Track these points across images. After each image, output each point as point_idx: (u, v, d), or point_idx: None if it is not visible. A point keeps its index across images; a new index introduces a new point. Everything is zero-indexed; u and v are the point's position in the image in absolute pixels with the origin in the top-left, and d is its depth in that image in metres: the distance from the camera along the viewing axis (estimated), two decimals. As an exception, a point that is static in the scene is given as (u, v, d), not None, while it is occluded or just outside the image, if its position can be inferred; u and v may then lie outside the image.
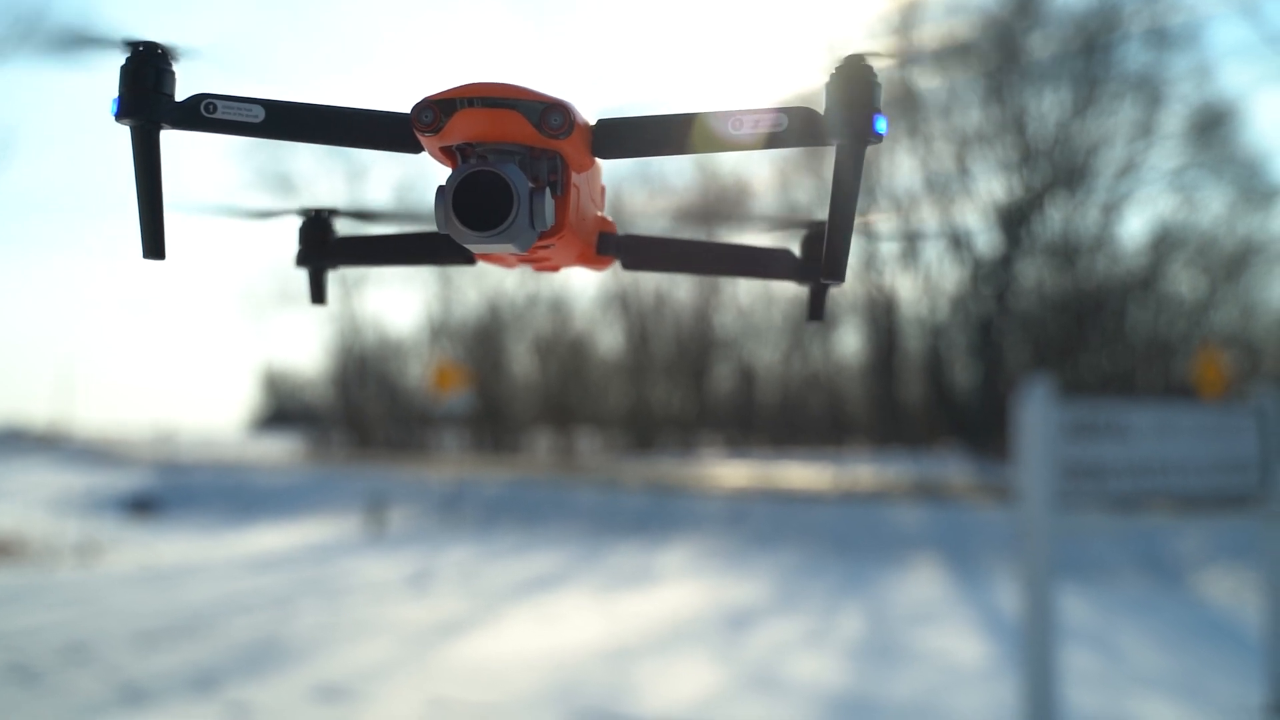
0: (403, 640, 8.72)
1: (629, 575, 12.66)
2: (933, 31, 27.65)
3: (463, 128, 0.96)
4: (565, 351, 39.62)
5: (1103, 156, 28.18)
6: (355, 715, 6.34)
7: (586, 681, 7.33)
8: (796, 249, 1.32)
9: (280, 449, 43.10)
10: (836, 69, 0.94)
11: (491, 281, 38.00)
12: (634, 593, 11.34)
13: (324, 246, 1.37)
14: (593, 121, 1.02)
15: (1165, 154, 28.30)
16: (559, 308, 39.32)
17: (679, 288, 36.84)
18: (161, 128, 1.01)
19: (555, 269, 1.28)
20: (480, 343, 39.33)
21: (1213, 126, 27.85)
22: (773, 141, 0.96)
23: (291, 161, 42.08)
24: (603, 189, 1.24)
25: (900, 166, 30.12)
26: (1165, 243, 28.96)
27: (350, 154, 37.97)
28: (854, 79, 0.93)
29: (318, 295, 1.41)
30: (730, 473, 24.87)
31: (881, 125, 0.93)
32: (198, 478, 26.65)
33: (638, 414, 38.67)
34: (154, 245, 1.04)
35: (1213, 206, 28.95)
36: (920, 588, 11.72)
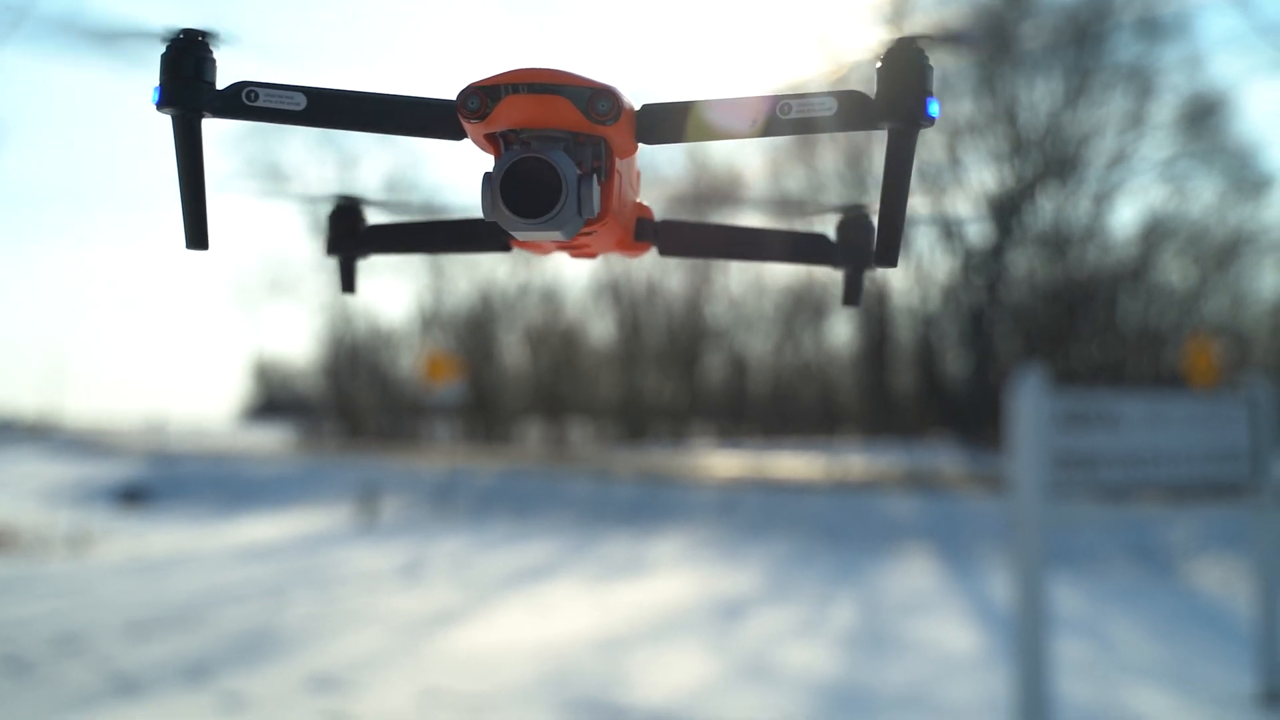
0: (395, 630, 8.72)
1: (621, 565, 12.67)
2: (924, 21, 27.63)
3: (509, 114, 0.96)
4: (557, 341, 39.59)
5: (1094, 147, 28.21)
6: (348, 705, 6.33)
7: (579, 671, 7.34)
8: (831, 233, 1.33)
9: (271, 439, 43.07)
10: (887, 52, 0.93)
11: (483, 271, 37.95)
12: (626, 583, 11.35)
13: (355, 234, 1.35)
14: (637, 106, 1.01)
15: (1156, 144, 28.35)
16: (550, 297, 39.31)
17: (670, 277, 36.83)
18: (203, 116, 1.00)
19: (593, 255, 1.27)
20: (472, 332, 39.28)
21: (1203, 117, 27.88)
22: (822, 126, 0.96)
23: (281, 151, 42.01)
24: (638, 174, 1.22)
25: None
26: (1156, 233, 29.01)
27: (340, 142, 37.86)
28: (905, 62, 0.93)
29: (348, 284, 1.40)
30: (722, 463, 24.89)
31: (934, 109, 0.92)
32: (189, 468, 26.62)
33: (629, 404, 38.69)
34: (197, 236, 1.03)
35: (1203, 197, 29.01)
36: (912, 577, 11.74)
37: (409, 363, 39.81)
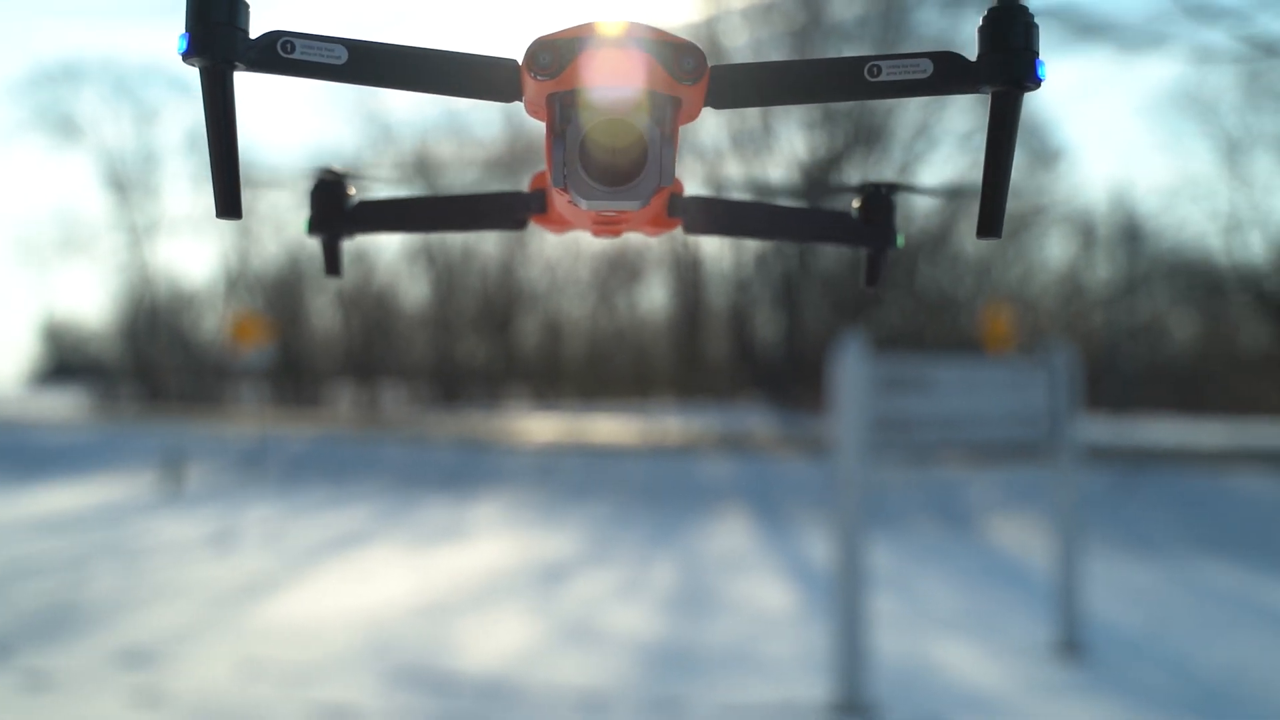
0: (208, 601, 8.46)
1: (440, 530, 12.56)
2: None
3: (584, 71, 0.87)
4: (369, 304, 38.87)
5: (899, 118, 29.17)
6: (162, 679, 6.12)
7: (402, 637, 7.26)
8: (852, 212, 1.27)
9: (65, 404, 40.99)
10: (990, 10, 0.88)
11: (292, 232, 36.95)
12: (446, 548, 11.27)
13: (341, 213, 1.25)
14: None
15: (957, 117, 29.52)
16: (362, 259, 38.50)
17: (484, 239, 36.51)
18: (236, 69, 0.86)
19: (618, 233, 1.16)
20: (280, 295, 38.22)
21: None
22: (913, 90, 0.90)
23: (74, 103, 39.87)
24: None
25: (706, 124, 30.48)
26: (955, 203, 30.21)
27: (140, 96, 36.17)
28: (1011, 20, 0.87)
29: (332, 266, 1.30)
30: (538, 426, 24.90)
31: (1043, 70, 0.87)
32: (-26, 435, 25.15)
33: (444, 367, 38.33)
34: (229, 203, 0.88)
35: (1000, 169, 30.35)
36: (729, 538, 12.00)
37: (214, 325, 38.51)
